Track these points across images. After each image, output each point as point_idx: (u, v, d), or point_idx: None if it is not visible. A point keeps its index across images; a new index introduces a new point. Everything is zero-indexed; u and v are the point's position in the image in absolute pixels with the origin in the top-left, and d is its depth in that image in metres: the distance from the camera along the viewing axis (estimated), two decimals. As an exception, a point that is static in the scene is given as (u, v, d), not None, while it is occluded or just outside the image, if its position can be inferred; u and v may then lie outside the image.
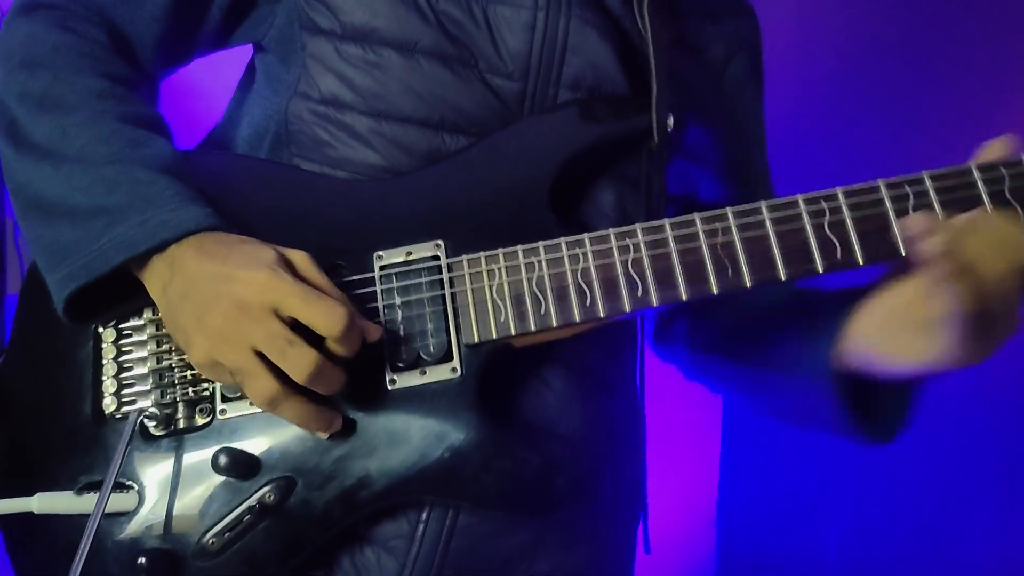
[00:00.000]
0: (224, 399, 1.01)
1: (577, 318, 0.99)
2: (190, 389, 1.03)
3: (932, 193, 0.97)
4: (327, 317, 0.92)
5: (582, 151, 1.08)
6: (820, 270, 0.97)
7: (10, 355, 1.12)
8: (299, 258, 0.97)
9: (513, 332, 0.99)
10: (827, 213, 0.98)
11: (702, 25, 1.25)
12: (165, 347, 1.04)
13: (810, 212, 0.98)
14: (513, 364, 1.04)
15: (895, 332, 0.97)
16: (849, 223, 0.97)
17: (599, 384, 1.13)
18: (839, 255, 0.97)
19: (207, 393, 1.02)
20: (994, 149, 0.98)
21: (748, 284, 0.97)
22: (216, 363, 0.94)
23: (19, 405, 1.07)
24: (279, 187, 1.11)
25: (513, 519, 1.05)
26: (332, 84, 1.11)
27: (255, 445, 1.00)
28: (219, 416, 1.01)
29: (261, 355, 0.92)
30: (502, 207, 1.06)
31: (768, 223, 0.98)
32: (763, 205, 0.99)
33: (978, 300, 0.88)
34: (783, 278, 0.97)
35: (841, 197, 0.98)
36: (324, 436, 0.97)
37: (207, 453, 1.00)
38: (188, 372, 1.03)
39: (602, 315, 0.99)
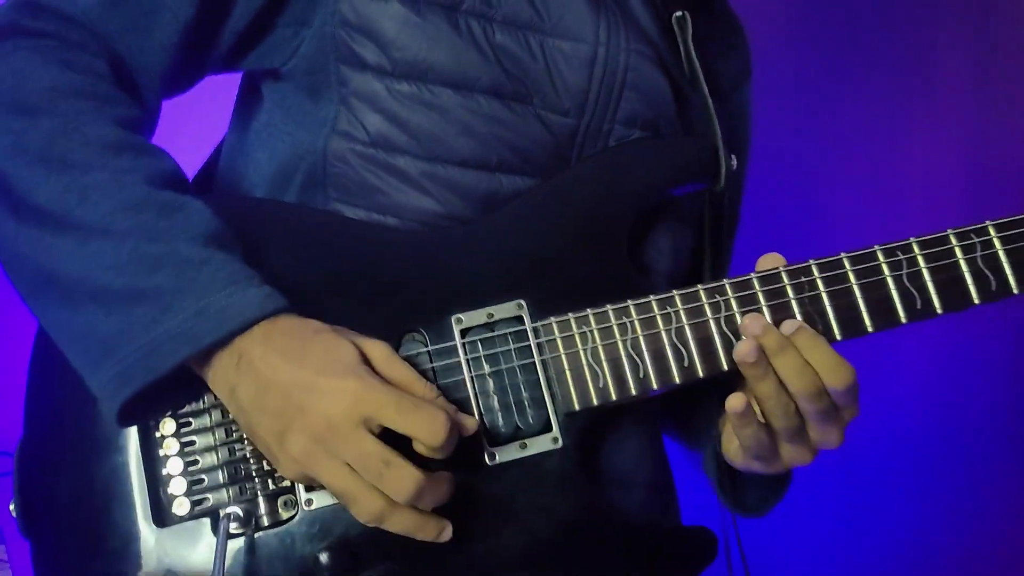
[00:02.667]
0: (308, 488, 0.94)
1: (678, 380, 0.98)
2: (269, 481, 0.95)
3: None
4: (427, 429, 0.85)
5: (657, 196, 1.06)
6: (903, 320, 1.01)
7: (29, 444, 0.98)
8: (379, 352, 0.90)
9: (614, 398, 0.97)
10: (904, 265, 1.01)
11: (719, 54, 1.24)
12: (235, 436, 0.95)
13: (889, 264, 1.01)
14: (606, 424, 1.02)
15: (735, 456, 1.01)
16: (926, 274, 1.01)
17: (652, 425, 1.13)
18: (919, 306, 1.01)
19: (288, 483, 0.95)
20: None
21: (839, 338, 1.00)
22: (310, 479, 0.87)
23: (56, 506, 0.95)
24: (331, 240, 1.02)
25: None
26: (381, 125, 1.02)
27: (348, 536, 0.93)
28: (304, 508, 0.94)
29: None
30: (580, 259, 1.02)
31: (851, 275, 1.00)
32: (844, 256, 1.01)
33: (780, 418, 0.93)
34: (870, 331, 1.00)
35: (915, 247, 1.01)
36: (439, 540, 0.91)
37: (296, 548, 0.93)
38: (264, 462, 0.94)
39: (701, 375, 0.98)
